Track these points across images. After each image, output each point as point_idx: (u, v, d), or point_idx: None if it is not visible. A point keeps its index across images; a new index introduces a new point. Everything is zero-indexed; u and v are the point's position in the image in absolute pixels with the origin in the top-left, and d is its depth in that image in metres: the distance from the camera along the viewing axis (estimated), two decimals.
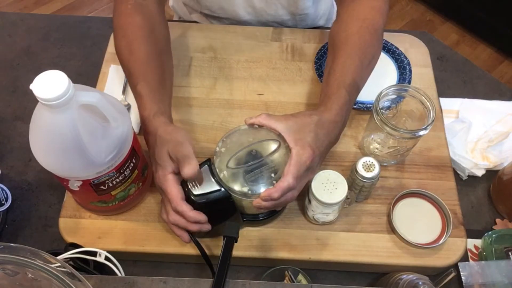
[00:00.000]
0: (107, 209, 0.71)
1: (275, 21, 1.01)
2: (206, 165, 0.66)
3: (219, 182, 0.64)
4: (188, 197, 0.64)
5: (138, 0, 0.76)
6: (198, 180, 0.64)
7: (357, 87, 0.72)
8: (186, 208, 0.62)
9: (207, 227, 0.65)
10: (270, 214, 0.72)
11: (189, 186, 0.64)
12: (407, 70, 0.89)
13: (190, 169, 0.60)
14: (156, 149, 0.64)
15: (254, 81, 0.89)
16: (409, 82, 0.87)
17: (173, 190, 0.62)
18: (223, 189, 0.64)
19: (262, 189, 0.63)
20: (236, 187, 0.64)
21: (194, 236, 0.66)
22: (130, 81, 0.72)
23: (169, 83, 0.76)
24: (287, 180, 0.60)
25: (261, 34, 0.96)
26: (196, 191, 0.64)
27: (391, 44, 0.92)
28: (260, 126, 0.67)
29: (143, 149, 0.72)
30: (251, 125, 0.67)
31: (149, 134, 0.66)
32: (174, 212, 0.63)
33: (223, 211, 0.67)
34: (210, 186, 0.64)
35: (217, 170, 0.64)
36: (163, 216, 0.66)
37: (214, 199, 0.64)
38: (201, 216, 0.63)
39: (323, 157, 0.67)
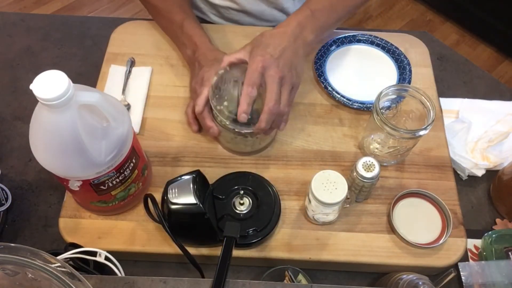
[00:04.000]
0: (107, 209, 0.71)
1: (277, 8, 1.00)
2: (191, 176, 0.66)
3: (197, 196, 0.64)
4: (165, 204, 0.65)
5: None
6: (179, 189, 0.65)
7: (328, 14, 0.78)
8: (201, 101, 0.74)
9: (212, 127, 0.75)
10: (248, 238, 0.70)
11: (168, 194, 0.64)
12: (407, 70, 0.89)
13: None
14: (206, 67, 0.77)
15: None
16: (409, 82, 0.87)
17: (204, 92, 0.73)
18: (199, 204, 0.64)
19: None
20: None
21: (180, 242, 0.65)
22: (172, 19, 0.85)
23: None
24: (243, 90, 0.67)
25: None
26: (174, 199, 0.64)
27: (391, 44, 0.92)
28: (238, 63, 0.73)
29: (143, 149, 0.72)
30: (230, 65, 0.73)
31: (210, 60, 0.78)
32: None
33: (199, 228, 0.67)
34: (188, 198, 0.64)
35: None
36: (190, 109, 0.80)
37: (189, 212, 0.64)
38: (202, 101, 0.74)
39: (284, 60, 0.70)
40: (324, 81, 0.87)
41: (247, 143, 0.77)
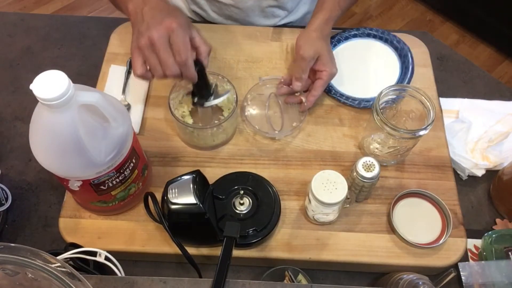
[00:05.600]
0: (107, 209, 0.71)
1: (278, 5, 1.00)
2: (191, 176, 0.66)
3: (197, 196, 0.64)
4: (165, 204, 0.65)
5: None
6: (179, 189, 0.65)
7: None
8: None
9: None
10: (247, 238, 0.70)
11: (168, 194, 0.64)
12: (409, 69, 0.87)
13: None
14: (154, 29, 0.67)
15: (254, 81, 0.89)
16: (409, 82, 0.87)
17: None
18: (199, 204, 0.64)
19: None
20: None
21: (179, 241, 0.65)
22: None
23: None
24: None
25: (261, 34, 0.96)
26: (174, 199, 0.64)
27: (394, 35, 0.90)
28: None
29: (143, 149, 0.72)
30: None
31: (158, 22, 0.68)
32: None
33: (199, 228, 0.67)
34: (188, 198, 0.64)
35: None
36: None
37: (189, 212, 0.64)
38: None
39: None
40: None
41: (199, 137, 0.77)
